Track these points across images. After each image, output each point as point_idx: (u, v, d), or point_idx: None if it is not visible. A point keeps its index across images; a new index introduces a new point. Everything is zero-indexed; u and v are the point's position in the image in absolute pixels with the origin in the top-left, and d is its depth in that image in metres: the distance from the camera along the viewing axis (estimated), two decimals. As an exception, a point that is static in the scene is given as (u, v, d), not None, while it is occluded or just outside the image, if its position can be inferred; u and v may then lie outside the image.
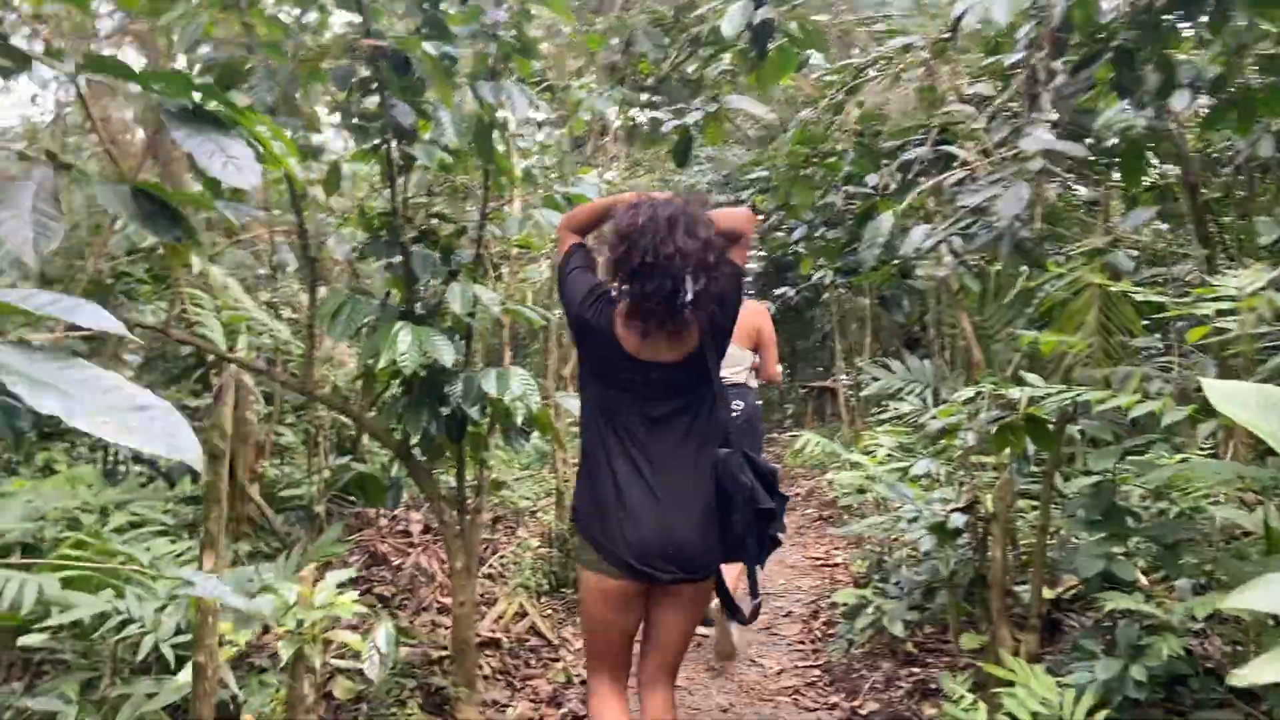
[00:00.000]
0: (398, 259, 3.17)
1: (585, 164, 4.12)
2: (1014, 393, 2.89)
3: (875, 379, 7.24)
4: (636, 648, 2.52)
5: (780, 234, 10.25)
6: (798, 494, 7.82)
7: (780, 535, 2.42)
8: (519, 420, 3.02)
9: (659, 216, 2.22)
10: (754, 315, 4.29)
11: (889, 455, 4.49)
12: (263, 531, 4.79)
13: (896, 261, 2.74)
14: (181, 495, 5.60)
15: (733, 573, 3.28)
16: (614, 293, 2.37)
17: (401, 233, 3.16)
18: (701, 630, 4.03)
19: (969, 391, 3.48)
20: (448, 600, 4.36)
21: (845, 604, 3.94)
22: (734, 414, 3.78)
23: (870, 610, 3.66)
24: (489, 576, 4.79)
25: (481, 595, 4.42)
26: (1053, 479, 3.04)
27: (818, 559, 5.91)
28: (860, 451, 4.73)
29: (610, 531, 2.30)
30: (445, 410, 3.23)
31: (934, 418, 3.58)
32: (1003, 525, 3.07)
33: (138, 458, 5.42)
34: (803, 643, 4.32)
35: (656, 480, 2.29)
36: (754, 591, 2.52)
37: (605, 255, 2.32)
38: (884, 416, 6.63)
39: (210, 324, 4.28)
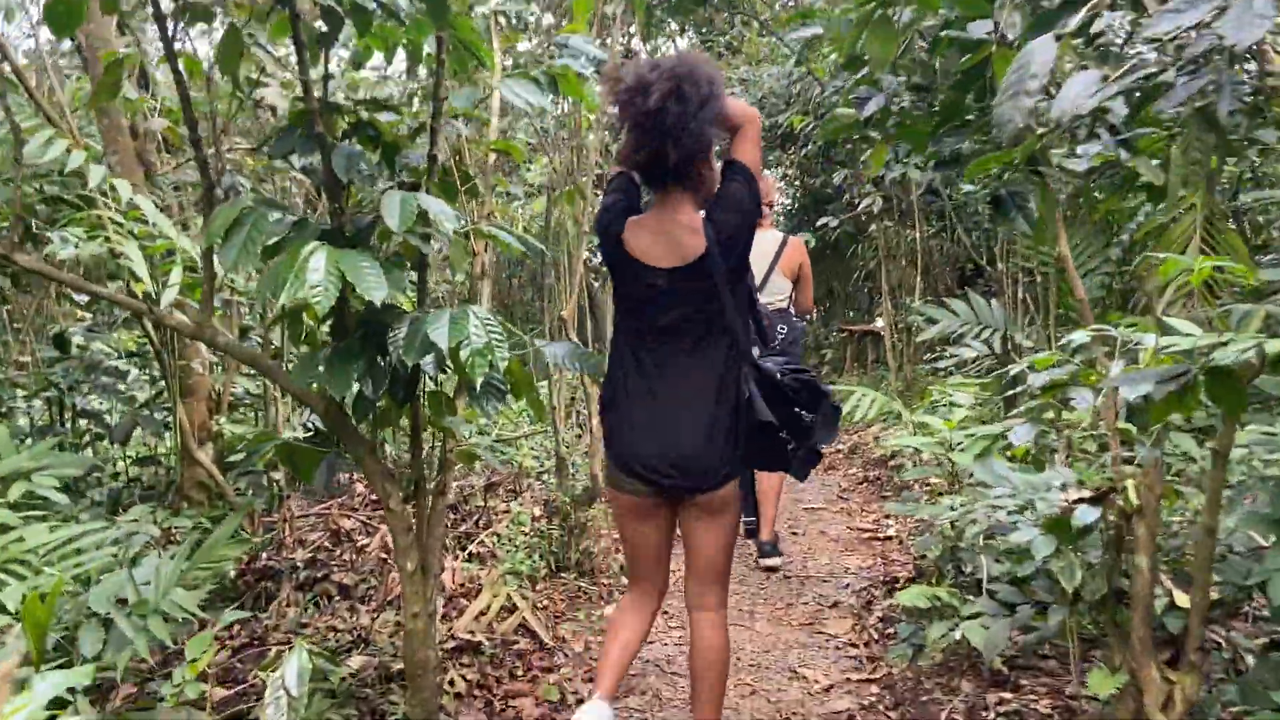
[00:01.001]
0: (315, 157, 2.33)
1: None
2: (1180, 341, 2.00)
3: (931, 321, 6.35)
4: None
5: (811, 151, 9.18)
6: (838, 451, 6.97)
7: (820, 448, 2.42)
8: (477, 379, 2.19)
9: (645, 75, 2.19)
10: (797, 250, 4.64)
11: (967, 417, 3.60)
12: (220, 500, 4.05)
13: (1043, 131, 1.83)
14: (133, 457, 4.89)
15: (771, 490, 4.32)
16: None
17: (322, 122, 2.31)
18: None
19: (1081, 335, 2.64)
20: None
21: (912, 605, 3.11)
22: (780, 336, 4.37)
23: (949, 622, 2.82)
24: (475, 557, 4.02)
25: (462, 586, 3.65)
26: (1226, 459, 2.16)
27: (864, 530, 5.09)
28: (923, 409, 3.85)
29: (620, 439, 2.40)
30: (387, 363, 2.42)
31: (1031, 369, 2.71)
32: (1151, 525, 2.20)
33: (83, 412, 4.71)
34: (855, 645, 3.51)
35: (661, 389, 2.35)
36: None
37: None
38: (941, 365, 5.72)
39: (135, 257, 3.48)
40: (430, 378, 2.54)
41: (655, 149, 2.21)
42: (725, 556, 2.46)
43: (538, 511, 4.39)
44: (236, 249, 2.22)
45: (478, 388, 2.21)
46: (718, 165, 2.40)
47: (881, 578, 4.15)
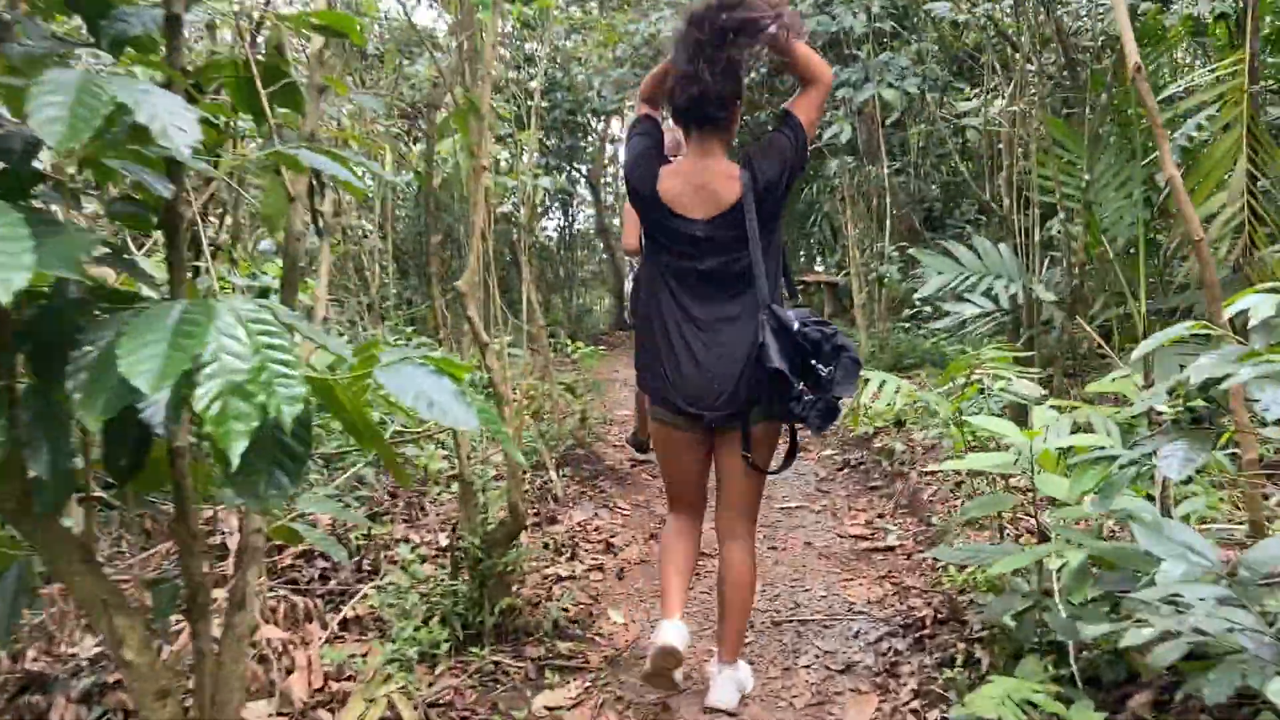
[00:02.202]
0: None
1: None
2: None
3: (929, 272, 5.33)
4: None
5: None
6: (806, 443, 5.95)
7: (837, 402, 2.36)
8: (233, 444, 1.05)
9: (688, 23, 2.34)
10: None
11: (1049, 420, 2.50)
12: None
13: None
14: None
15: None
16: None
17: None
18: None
19: (1260, 300, 1.71)
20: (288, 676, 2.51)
21: (986, 696, 2.07)
22: None
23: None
24: (352, 625, 2.90)
25: (325, 687, 2.52)
26: None
27: (858, 538, 4.09)
28: (966, 400, 2.79)
29: (660, 378, 2.53)
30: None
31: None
32: None
33: None
34: (888, 742, 2.49)
35: (700, 330, 2.46)
36: (792, 446, 2.60)
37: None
38: (927, 324, 4.71)
39: None
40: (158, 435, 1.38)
41: (699, 86, 2.32)
42: (755, 491, 2.60)
43: (431, 568, 3.28)
44: None
45: (233, 459, 1.06)
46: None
47: (901, 619, 3.15)
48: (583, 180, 14.70)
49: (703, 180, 2.41)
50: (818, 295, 9.47)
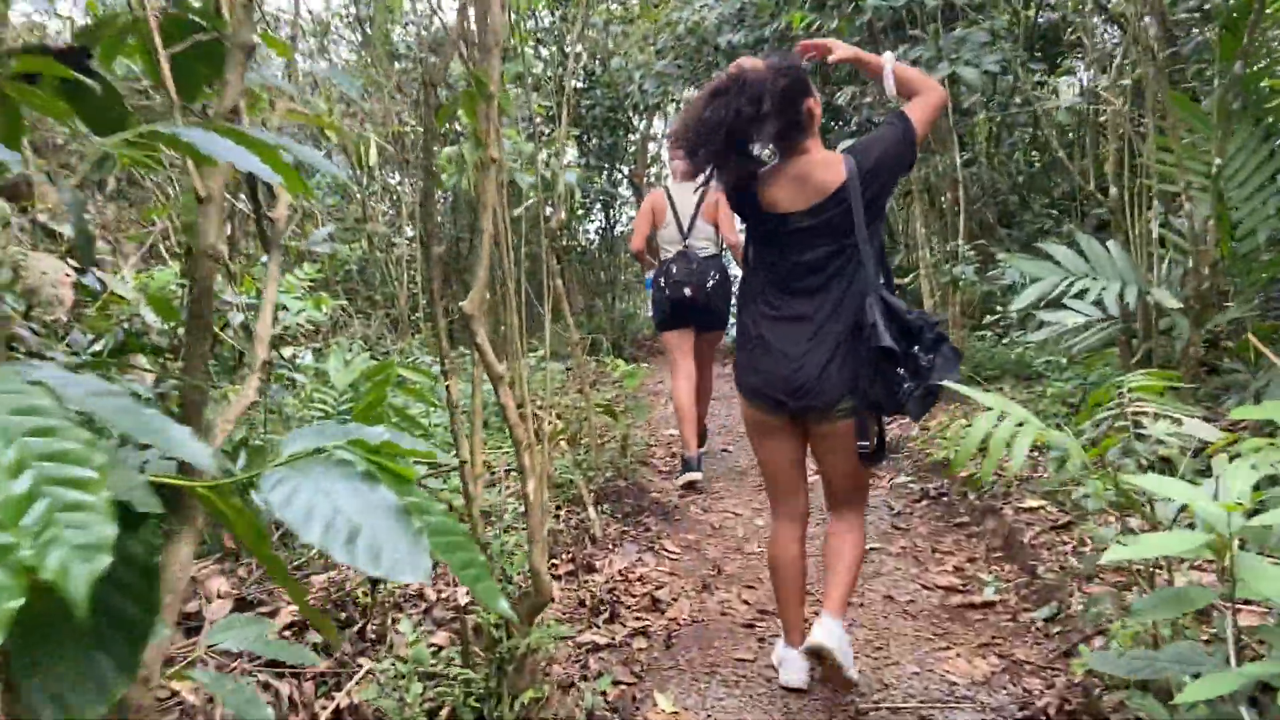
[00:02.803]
0: None
1: None
2: None
3: (1011, 272, 4.69)
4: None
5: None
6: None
7: (934, 386, 2.35)
8: None
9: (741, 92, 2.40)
10: (714, 193, 4.77)
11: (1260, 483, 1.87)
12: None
13: None
14: None
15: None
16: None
17: None
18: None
19: None
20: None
21: None
22: (709, 284, 4.89)
23: None
24: (351, 712, 2.38)
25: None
26: None
27: (949, 590, 3.47)
28: (1113, 445, 2.15)
29: (751, 368, 2.57)
30: None
31: None
32: None
33: None
34: None
35: (798, 323, 2.48)
36: (880, 441, 2.54)
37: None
38: (1017, 335, 4.06)
39: None
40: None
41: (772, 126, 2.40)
42: (853, 481, 2.62)
43: (445, 627, 2.75)
44: None
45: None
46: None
47: (1018, 708, 2.53)
48: (625, 180, 14.17)
49: (802, 171, 2.47)
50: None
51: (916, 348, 2.37)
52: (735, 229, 5.00)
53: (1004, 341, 5.62)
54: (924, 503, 4.49)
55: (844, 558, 2.59)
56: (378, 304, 7.00)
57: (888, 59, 2.59)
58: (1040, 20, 6.75)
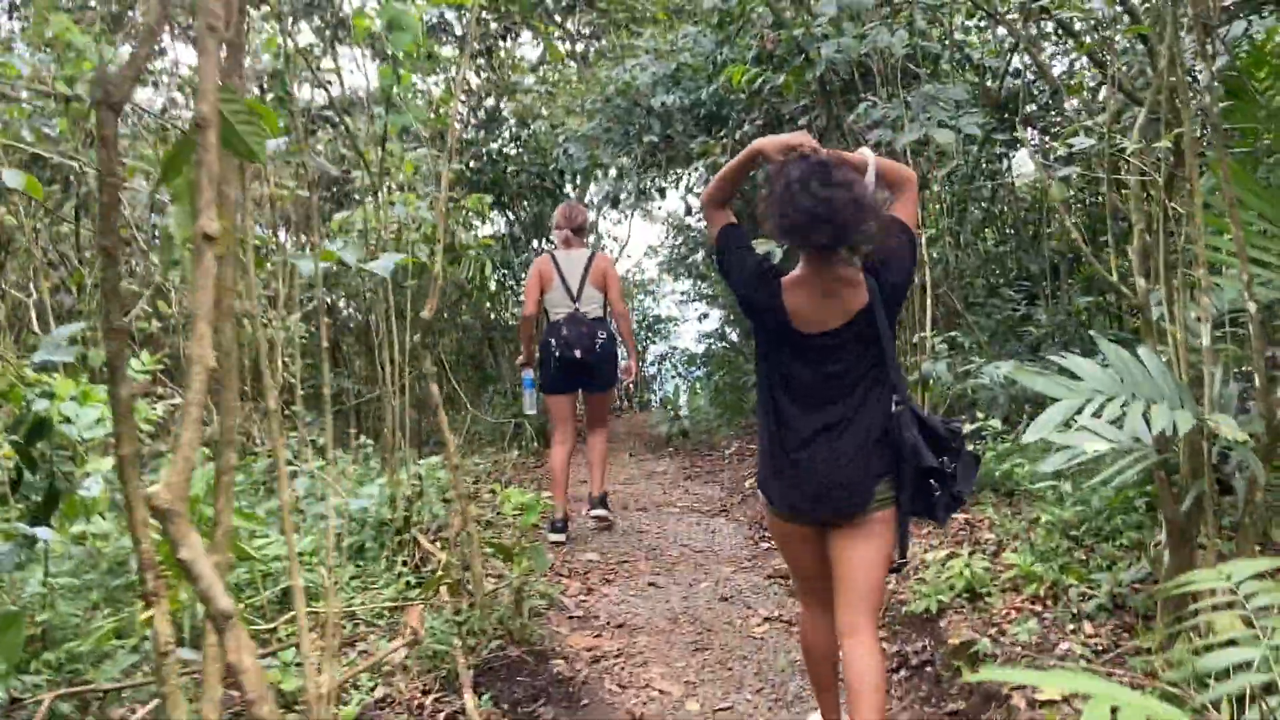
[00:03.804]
0: None
1: None
2: None
3: (990, 370, 3.87)
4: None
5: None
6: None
7: (965, 495, 2.50)
8: None
9: (791, 177, 2.32)
10: (604, 261, 5.44)
11: None
12: None
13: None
14: None
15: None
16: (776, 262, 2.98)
17: None
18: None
19: None
20: None
21: None
22: (598, 345, 5.19)
23: None
24: None
25: None
26: None
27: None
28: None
29: (779, 485, 2.55)
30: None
31: None
32: None
33: None
34: None
35: (825, 431, 2.46)
36: (902, 547, 2.55)
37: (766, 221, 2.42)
38: (1046, 468, 3.14)
39: None
40: None
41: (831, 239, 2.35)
42: (879, 583, 2.55)
43: None
44: None
45: None
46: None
47: None
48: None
49: (830, 288, 2.45)
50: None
51: (945, 458, 2.46)
52: (623, 297, 5.45)
53: (991, 446, 4.75)
54: (903, 672, 3.51)
55: (870, 693, 2.43)
56: (246, 396, 5.88)
57: (868, 154, 2.49)
58: (1004, 89, 6.07)
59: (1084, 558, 3.70)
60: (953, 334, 5.12)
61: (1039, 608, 3.49)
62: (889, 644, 3.70)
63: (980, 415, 4.87)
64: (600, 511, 5.46)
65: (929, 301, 4.92)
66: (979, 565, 3.75)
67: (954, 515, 2.62)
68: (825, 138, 6.61)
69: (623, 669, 3.65)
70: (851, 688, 2.44)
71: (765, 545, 5.23)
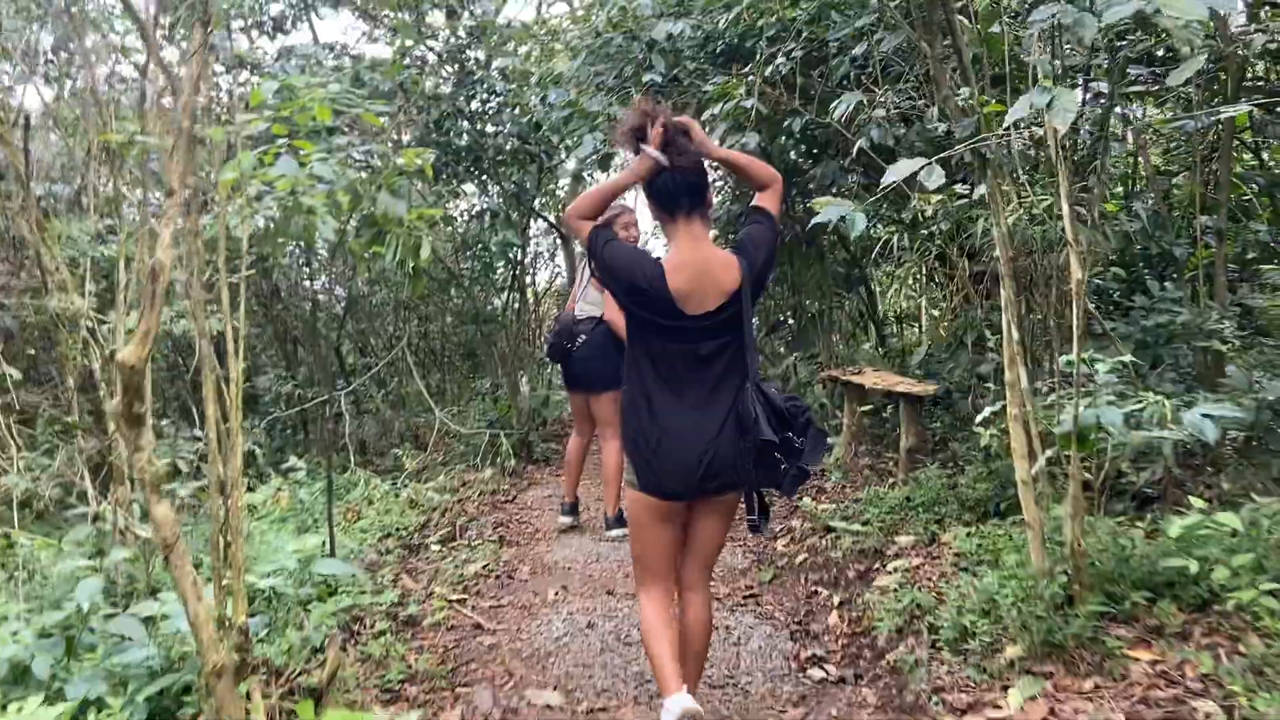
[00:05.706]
0: None
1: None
2: None
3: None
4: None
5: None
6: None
7: (809, 469, 2.59)
8: None
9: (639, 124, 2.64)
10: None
11: None
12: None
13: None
14: None
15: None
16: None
17: None
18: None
19: None
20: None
21: None
22: (572, 345, 5.21)
23: None
24: None
25: None
26: None
27: None
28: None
29: (652, 461, 2.62)
30: None
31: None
32: None
33: None
34: None
35: (695, 411, 2.59)
36: (758, 511, 2.67)
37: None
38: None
39: None
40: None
41: (686, 177, 2.61)
42: (718, 547, 2.85)
43: None
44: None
45: None
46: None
47: None
48: (549, 229, 11.47)
49: (707, 269, 2.57)
50: (853, 403, 6.17)
51: (791, 433, 2.54)
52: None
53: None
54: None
55: (701, 637, 2.79)
56: (71, 428, 4.16)
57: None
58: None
59: None
60: (1096, 354, 3.34)
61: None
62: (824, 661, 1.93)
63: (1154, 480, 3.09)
64: (616, 531, 5.33)
65: (1076, 303, 3.10)
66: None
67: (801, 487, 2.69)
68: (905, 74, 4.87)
69: None
70: (690, 630, 2.77)
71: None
